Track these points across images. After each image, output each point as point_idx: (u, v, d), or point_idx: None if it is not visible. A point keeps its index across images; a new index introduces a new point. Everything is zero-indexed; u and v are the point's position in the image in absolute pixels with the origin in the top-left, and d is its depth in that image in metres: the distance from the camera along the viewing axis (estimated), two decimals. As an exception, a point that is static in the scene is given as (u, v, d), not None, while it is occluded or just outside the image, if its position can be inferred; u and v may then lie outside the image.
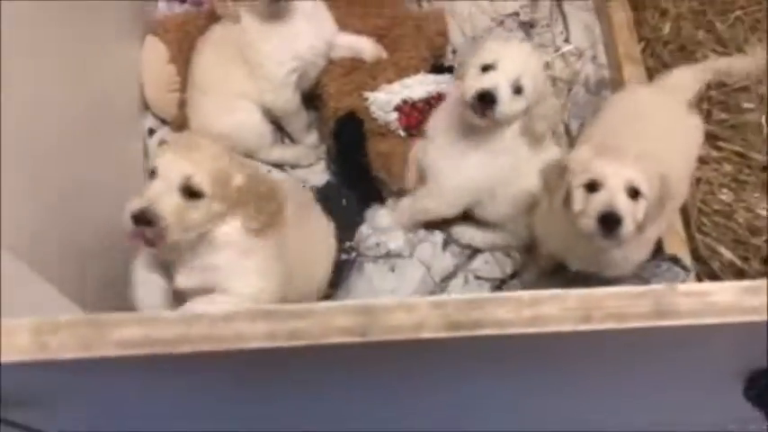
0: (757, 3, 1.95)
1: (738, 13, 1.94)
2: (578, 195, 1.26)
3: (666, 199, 1.28)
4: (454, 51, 1.95)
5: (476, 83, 1.40)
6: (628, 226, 1.22)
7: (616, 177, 1.23)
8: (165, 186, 1.14)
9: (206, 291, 1.23)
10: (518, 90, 1.41)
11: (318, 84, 1.75)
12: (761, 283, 0.63)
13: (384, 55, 1.77)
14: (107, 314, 0.63)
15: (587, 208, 1.24)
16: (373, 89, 1.69)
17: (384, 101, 1.67)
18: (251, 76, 1.67)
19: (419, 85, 1.69)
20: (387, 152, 1.66)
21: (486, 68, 1.41)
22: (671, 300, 0.62)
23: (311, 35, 1.68)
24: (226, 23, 1.67)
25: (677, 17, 1.95)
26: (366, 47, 1.76)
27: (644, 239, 1.36)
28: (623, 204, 1.22)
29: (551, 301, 0.62)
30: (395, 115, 1.67)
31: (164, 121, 1.79)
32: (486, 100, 1.38)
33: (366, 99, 1.68)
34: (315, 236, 1.49)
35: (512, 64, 1.41)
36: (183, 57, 1.74)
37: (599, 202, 1.23)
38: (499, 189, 1.55)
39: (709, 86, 1.80)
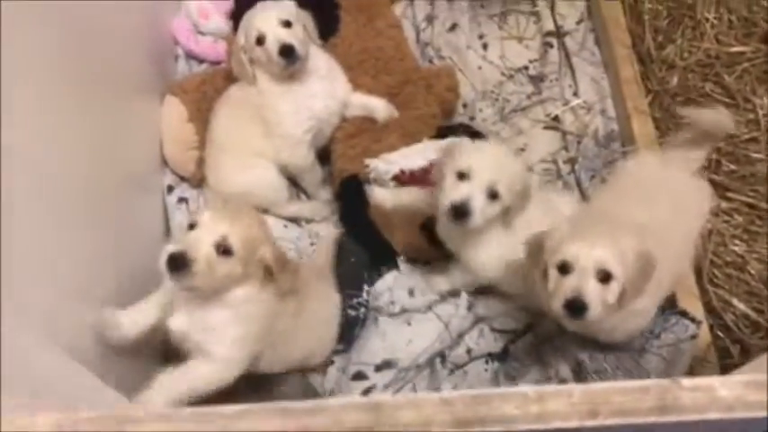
0: (765, 55, 1.97)
1: (746, 65, 1.96)
2: (552, 275, 1.29)
3: (648, 275, 1.29)
4: (465, 105, 1.99)
5: (450, 193, 1.41)
6: (593, 311, 1.25)
7: (587, 260, 1.25)
8: (202, 238, 1.25)
9: (189, 342, 1.34)
10: (494, 195, 1.42)
11: (332, 142, 1.80)
12: (763, 377, 0.64)
13: (396, 114, 1.82)
14: (125, 408, 0.65)
15: (557, 290, 1.27)
16: (376, 154, 1.73)
17: (383, 170, 1.70)
18: (267, 134, 1.71)
19: (418, 155, 1.71)
20: (387, 215, 1.69)
21: (461, 176, 1.42)
22: (675, 394, 0.63)
23: (326, 95, 1.72)
24: (242, 84, 1.72)
25: (684, 69, 1.97)
26: (378, 106, 1.80)
27: (633, 311, 1.37)
28: (591, 289, 1.24)
29: (557, 397, 0.63)
30: (392, 184, 1.70)
31: (182, 179, 1.83)
32: (460, 212, 1.40)
33: (367, 166, 1.72)
34: (315, 312, 1.53)
35: (486, 171, 1.42)
36: (201, 116, 1.78)
37: (567, 286, 1.26)
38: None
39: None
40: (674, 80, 1.96)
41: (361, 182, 1.71)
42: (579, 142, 1.93)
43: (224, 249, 1.26)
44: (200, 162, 1.79)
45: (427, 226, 1.64)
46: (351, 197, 1.74)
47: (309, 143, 1.73)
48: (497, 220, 1.47)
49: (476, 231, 1.48)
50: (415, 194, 1.65)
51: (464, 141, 1.56)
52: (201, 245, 1.24)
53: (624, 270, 1.26)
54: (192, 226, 1.28)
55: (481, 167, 1.42)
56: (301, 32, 1.62)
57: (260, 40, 1.61)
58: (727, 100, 1.93)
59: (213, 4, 2.00)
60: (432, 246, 1.66)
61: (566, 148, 1.93)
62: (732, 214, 1.79)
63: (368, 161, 1.71)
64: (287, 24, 1.60)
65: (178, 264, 1.21)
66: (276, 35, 1.59)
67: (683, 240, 1.49)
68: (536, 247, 1.34)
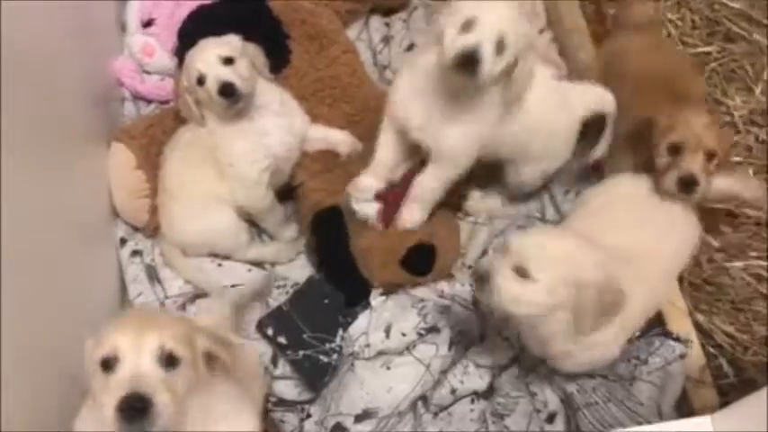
0: (730, 53, 1.93)
1: (713, 65, 1.92)
2: None
3: (614, 308, 1.23)
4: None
5: (456, 43, 1.27)
6: None
7: None
8: (140, 365, 0.99)
9: None
10: (500, 49, 1.30)
11: (295, 178, 1.72)
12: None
13: (359, 147, 1.73)
14: None
15: None
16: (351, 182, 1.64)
17: (364, 190, 1.62)
18: (222, 177, 1.62)
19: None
20: (366, 247, 1.60)
21: (466, 26, 1.28)
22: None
23: (282, 131, 1.64)
24: (192, 126, 1.63)
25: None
26: (340, 139, 1.72)
27: (595, 343, 1.32)
28: None
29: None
30: (375, 208, 1.62)
31: (136, 229, 1.74)
32: (469, 61, 1.27)
33: (346, 194, 1.63)
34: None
35: (495, 20, 1.29)
36: (150, 162, 1.69)
37: None
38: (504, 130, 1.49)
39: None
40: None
41: (340, 212, 1.63)
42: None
43: (169, 359, 1.00)
44: (154, 210, 1.69)
45: (407, 260, 1.57)
46: (327, 230, 1.65)
47: (267, 183, 1.64)
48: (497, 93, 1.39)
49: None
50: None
51: None
52: (145, 371, 0.98)
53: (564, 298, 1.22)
54: (107, 363, 0.99)
55: (490, 15, 1.29)
56: (246, 68, 1.53)
57: (201, 80, 1.51)
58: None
59: (157, 41, 1.90)
60: (413, 277, 1.60)
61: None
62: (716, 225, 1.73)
63: (348, 188, 1.63)
64: (228, 61, 1.51)
65: (136, 412, 0.94)
66: (216, 74, 1.49)
67: (662, 273, 1.44)
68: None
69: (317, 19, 1.83)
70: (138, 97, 1.92)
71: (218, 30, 1.61)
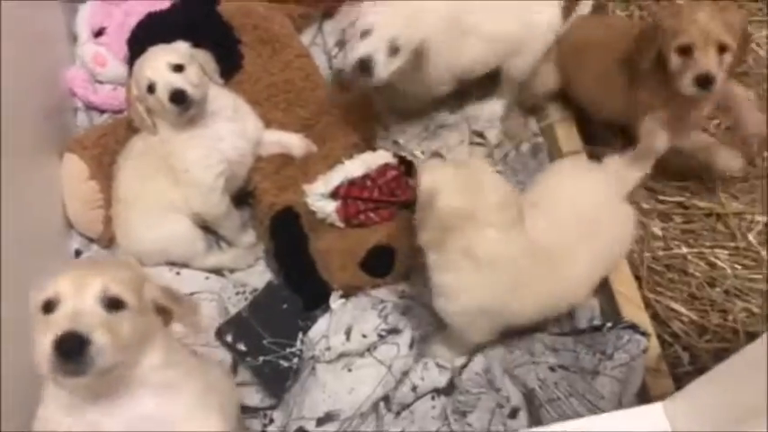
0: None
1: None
2: None
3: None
4: (386, 128, 1.92)
5: (354, 51, 1.52)
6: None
7: None
8: (80, 304, 0.96)
9: None
10: (394, 51, 1.53)
11: (250, 182, 1.71)
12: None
13: (313, 148, 1.73)
14: None
15: None
16: (308, 183, 1.64)
17: (322, 189, 1.62)
18: (176, 185, 1.61)
19: (355, 165, 1.64)
20: (325, 249, 1.60)
21: (363, 34, 1.53)
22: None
23: (235, 135, 1.63)
24: (145, 134, 1.61)
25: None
26: (294, 143, 1.72)
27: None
28: None
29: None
30: (333, 206, 1.61)
31: (91, 240, 1.72)
32: (365, 67, 1.52)
33: (303, 193, 1.63)
34: None
35: (386, 26, 1.52)
36: (103, 172, 1.67)
37: None
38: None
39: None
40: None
41: (297, 214, 1.62)
42: (506, 155, 1.88)
43: (112, 302, 0.98)
44: (108, 220, 1.67)
45: (367, 262, 1.58)
46: (285, 233, 1.63)
47: (222, 188, 1.63)
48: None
49: None
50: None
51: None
52: (85, 310, 0.95)
53: None
54: (48, 305, 0.97)
55: (383, 24, 1.53)
56: (196, 75, 1.52)
57: (151, 88, 1.50)
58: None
59: (108, 51, 1.88)
60: (373, 279, 1.60)
61: (493, 163, 1.86)
62: (669, 216, 1.75)
63: (304, 186, 1.63)
64: (178, 68, 1.50)
65: (72, 350, 0.91)
66: (166, 81, 1.48)
67: (589, 266, 1.44)
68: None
69: (270, 23, 1.82)
70: (90, 107, 1.90)
71: (168, 37, 1.60)
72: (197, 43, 1.60)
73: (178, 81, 1.49)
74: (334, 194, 1.62)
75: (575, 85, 1.77)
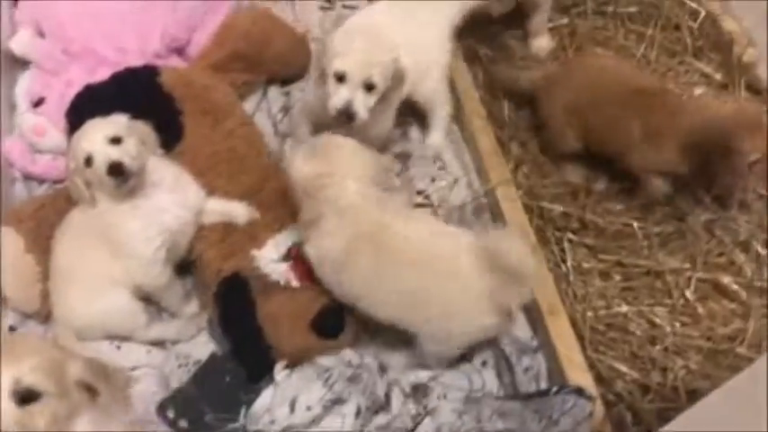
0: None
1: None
2: None
3: None
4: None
5: (334, 100, 1.62)
6: None
7: None
8: None
9: None
10: (370, 87, 1.62)
11: (193, 251, 1.69)
12: None
13: (257, 215, 1.72)
14: None
15: None
16: (257, 248, 1.64)
17: (272, 252, 1.62)
18: (116, 257, 1.58)
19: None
20: (274, 313, 1.58)
21: (339, 78, 1.62)
22: None
23: (176, 206, 1.61)
24: (84, 207, 1.59)
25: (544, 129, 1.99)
26: (238, 211, 1.71)
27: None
28: None
29: None
30: (286, 266, 1.61)
31: (27, 316, 1.67)
32: (349, 116, 1.62)
33: (253, 258, 1.62)
34: None
35: (359, 70, 1.60)
36: (41, 245, 1.63)
37: None
38: None
39: (575, 193, 1.87)
40: (535, 143, 1.99)
41: (245, 280, 1.60)
42: (449, 214, 1.90)
43: (27, 394, 0.99)
44: (45, 295, 1.63)
45: (317, 323, 1.57)
46: (232, 299, 1.61)
47: (164, 259, 1.61)
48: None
49: None
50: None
51: (337, 37, 1.69)
52: None
53: None
54: None
55: (354, 66, 1.60)
56: (134, 146, 1.51)
57: (88, 161, 1.49)
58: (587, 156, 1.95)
59: (49, 120, 1.86)
60: (324, 341, 1.58)
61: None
62: (609, 274, 1.79)
63: (253, 252, 1.62)
64: (116, 141, 1.49)
65: None
66: (103, 154, 1.47)
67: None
68: None
69: (211, 93, 1.83)
70: (29, 178, 1.87)
71: (107, 109, 1.59)
72: (137, 115, 1.59)
73: (115, 153, 1.48)
74: (285, 256, 1.63)
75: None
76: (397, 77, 1.67)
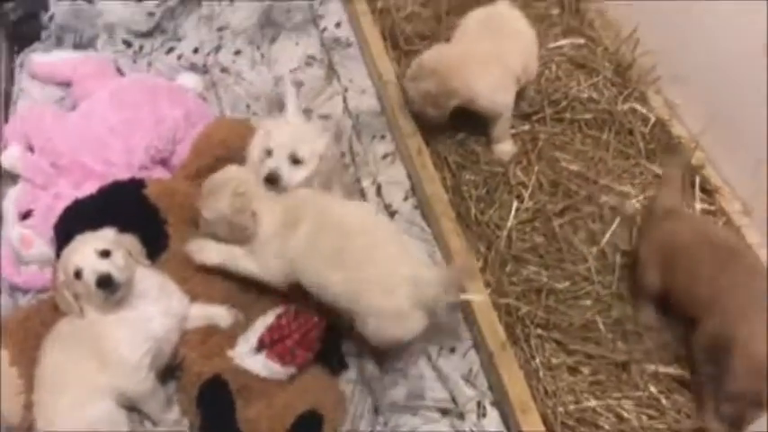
0: (573, 209, 2.15)
1: (566, 218, 2.12)
2: None
3: None
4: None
5: (262, 168, 1.81)
6: None
7: None
8: None
9: None
10: (297, 161, 1.81)
11: (176, 355, 1.74)
12: None
13: (240, 318, 1.80)
14: None
15: None
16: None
17: (244, 347, 1.69)
18: (102, 368, 1.62)
19: (267, 316, 1.77)
20: (253, 417, 1.63)
21: (268, 152, 1.82)
22: None
23: (162, 314, 1.68)
24: (72, 318, 1.64)
25: (509, 229, 2.09)
26: (220, 314, 1.78)
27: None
28: None
29: None
30: (263, 356, 1.68)
31: (9, 428, 1.68)
32: (272, 179, 1.79)
33: (231, 358, 1.69)
34: None
35: (285, 144, 1.82)
36: (26, 356, 1.67)
37: None
38: None
39: (539, 291, 1.95)
40: (502, 242, 2.08)
41: (225, 382, 1.65)
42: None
43: None
44: (30, 405, 1.65)
45: (295, 429, 1.60)
46: (213, 402, 1.66)
47: (149, 366, 1.65)
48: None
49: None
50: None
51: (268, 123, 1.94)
52: None
53: None
54: None
55: (280, 142, 1.82)
56: (122, 259, 1.60)
57: (78, 274, 1.57)
58: (554, 253, 2.05)
59: (35, 232, 1.93)
60: None
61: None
62: (578, 369, 1.85)
63: (230, 353, 1.69)
64: (105, 254, 1.58)
65: None
66: (93, 267, 1.56)
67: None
68: None
69: (194, 201, 1.88)
70: (15, 288, 1.92)
71: (95, 222, 1.69)
72: (125, 226, 1.69)
73: (104, 266, 1.57)
74: (259, 347, 1.69)
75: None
76: (331, 161, 1.87)
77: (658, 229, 1.88)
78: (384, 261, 1.68)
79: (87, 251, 1.58)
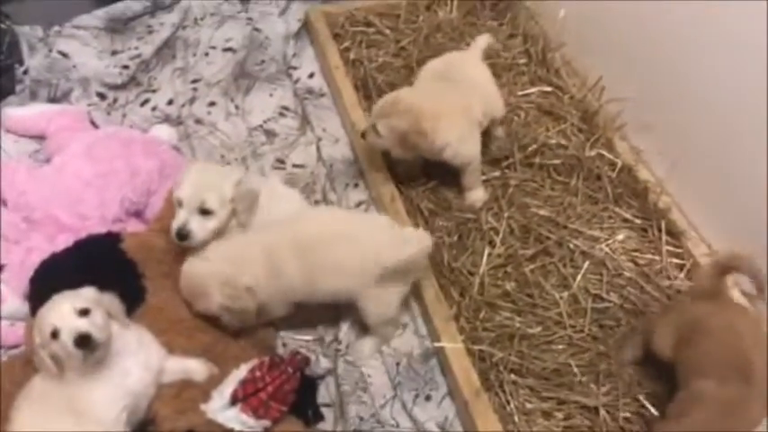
0: (544, 252, 2.19)
1: (535, 264, 2.16)
2: None
3: None
4: (285, 345, 2.01)
5: (174, 222, 1.83)
6: None
7: None
8: None
9: None
10: (206, 212, 1.83)
11: (150, 410, 1.72)
12: None
13: (215, 371, 1.79)
14: None
15: None
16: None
17: (218, 401, 1.67)
18: (77, 425, 1.58)
19: (240, 369, 1.73)
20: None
21: (179, 203, 1.84)
22: None
23: (140, 368, 1.67)
24: (46, 375, 1.62)
25: (482, 275, 2.12)
26: (195, 368, 1.77)
27: None
28: None
29: None
30: (236, 410, 1.65)
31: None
32: (182, 236, 1.82)
33: (204, 412, 1.66)
34: None
35: (193, 196, 1.83)
36: (-3, 417, 1.65)
37: None
38: None
39: (512, 337, 1.98)
40: (475, 288, 2.10)
41: None
42: (398, 364, 1.98)
43: None
44: (1, 458, 1.63)
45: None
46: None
47: (125, 423, 1.63)
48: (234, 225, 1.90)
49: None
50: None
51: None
52: None
53: None
54: None
55: (188, 194, 1.83)
56: (101, 318, 1.58)
57: (54, 334, 1.54)
58: (526, 298, 2.09)
59: (7, 287, 1.92)
60: None
61: (386, 372, 1.97)
62: (551, 413, 1.87)
63: (203, 407, 1.67)
64: (84, 313, 1.55)
65: None
66: (71, 326, 1.53)
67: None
68: None
69: (171, 256, 1.92)
70: (-15, 344, 1.90)
71: (71, 276, 1.69)
72: (101, 280, 1.67)
73: (83, 325, 1.54)
74: (233, 401, 1.67)
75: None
76: (246, 198, 1.90)
77: (692, 304, 1.85)
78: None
79: (65, 310, 1.55)
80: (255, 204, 1.94)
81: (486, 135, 2.39)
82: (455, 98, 2.21)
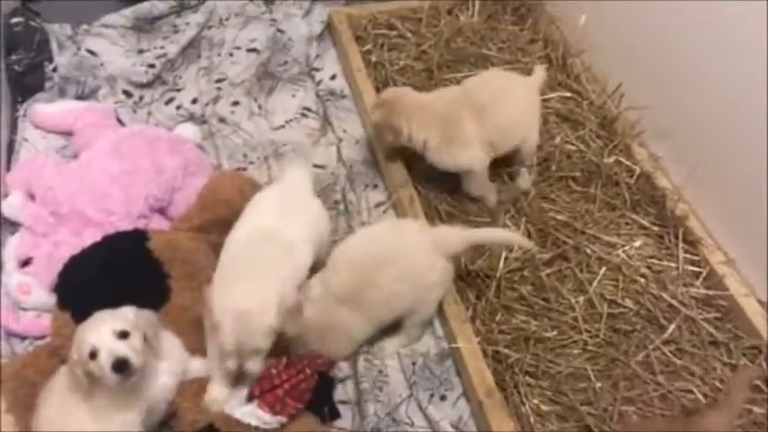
0: (561, 256, 2.20)
1: (553, 268, 2.17)
2: None
3: None
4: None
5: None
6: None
7: None
8: None
9: None
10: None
11: (171, 405, 1.76)
12: None
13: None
14: None
15: None
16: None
17: (235, 398, 1.72)
18: (97, 420, 1.62)
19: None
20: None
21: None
22: None
23: (164, 375, 1.71)
24: (69, 368, 1.66)
25: (498, 278, 2.14)
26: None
27: None
28: None
29: None
30: (253, 406, 1.69)
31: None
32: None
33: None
34: None
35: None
36: (21, 404, 1.69)
37: None
38: None
39: (528, 340, 1.98)
40: (491, 291, 2.13)
41: (218, 431, 1.67)
42: (414, 364, 2.00)
43: None
44: (24, 455, 1.67)
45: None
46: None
47: (143, 421, 1.68)
48: None
49: None
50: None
51: None
52: None
53: None
54: None
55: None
56: (139, 342, 1.58)
57: (93, 355, 1.54)
58: (542, 302, 2.10)
59: (34, 279, 1.97)
60: None
61: (402, 371, 1.99)
62: (565, 417, 1.88)
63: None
64: (123, 335, 1.56)
65: None
66: (110, 349, 1.53)
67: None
68: None
69: (197, 256, 1.93)
70: (11, 334, 1.94)
71: (98, 274, 1.75)
72: (127, 278, 1.74)
73: (122, 349, 1.53)
74: (250, 397, 1.71)
75: None
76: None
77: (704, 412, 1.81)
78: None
79: (105, 331, 1.55)
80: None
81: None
82: (447, 107, 2.22)
